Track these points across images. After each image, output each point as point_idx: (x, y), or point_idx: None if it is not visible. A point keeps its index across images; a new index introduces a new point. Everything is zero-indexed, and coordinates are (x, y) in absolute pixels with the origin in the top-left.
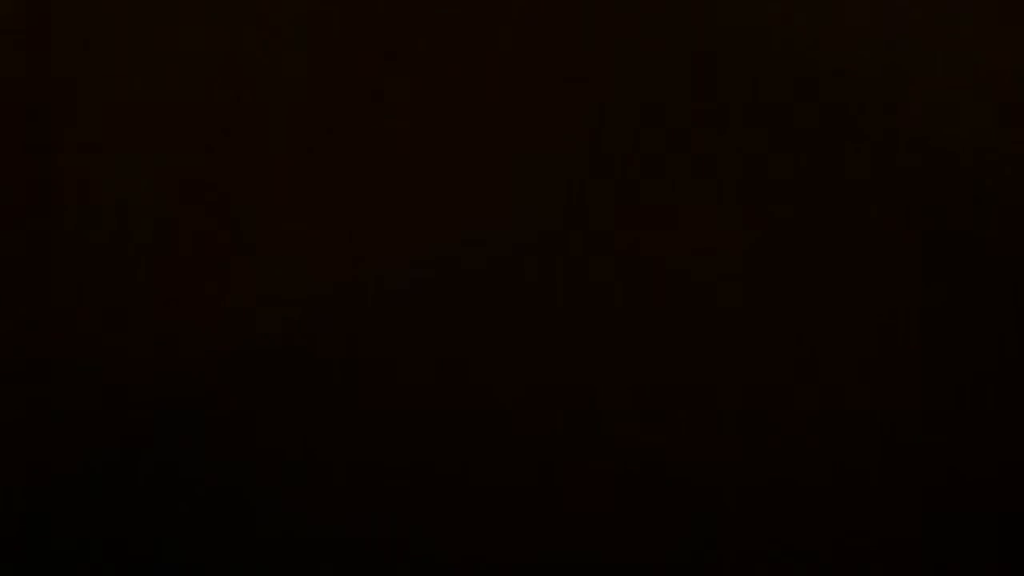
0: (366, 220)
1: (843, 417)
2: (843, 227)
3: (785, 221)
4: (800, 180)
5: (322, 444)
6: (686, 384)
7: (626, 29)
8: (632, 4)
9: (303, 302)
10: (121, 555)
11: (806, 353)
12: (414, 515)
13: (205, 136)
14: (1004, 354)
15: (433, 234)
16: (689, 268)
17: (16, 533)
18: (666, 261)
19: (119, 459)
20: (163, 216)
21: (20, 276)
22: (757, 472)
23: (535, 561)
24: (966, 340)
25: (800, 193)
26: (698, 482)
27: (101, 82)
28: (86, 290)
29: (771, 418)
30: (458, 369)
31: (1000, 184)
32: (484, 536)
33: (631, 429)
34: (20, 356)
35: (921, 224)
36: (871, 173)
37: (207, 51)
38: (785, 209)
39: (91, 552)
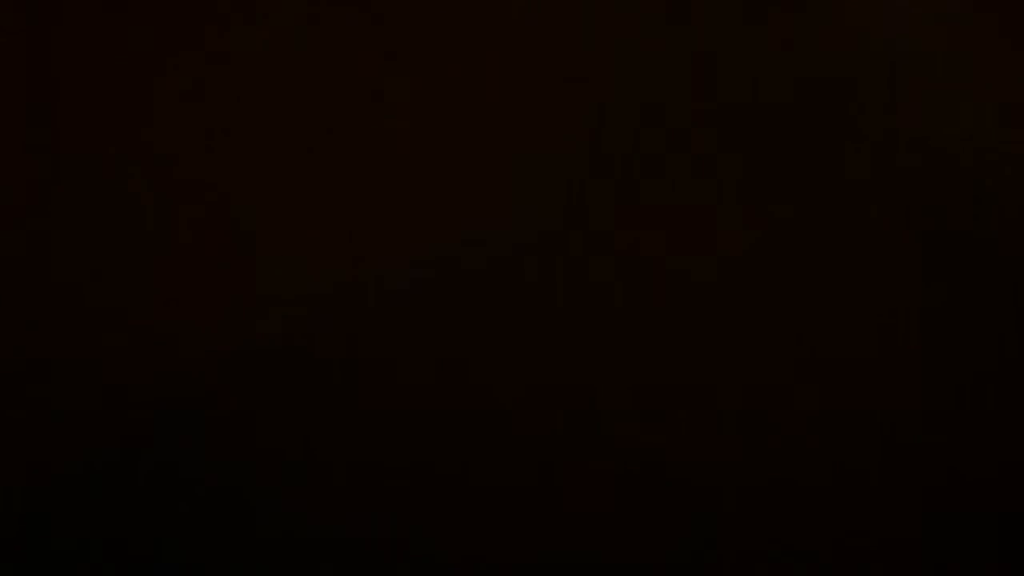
0: (366, 220)
1: (843, 417)
2: (843, 227)
3: (785, 221)
4: (800, 180)
5: (322, 444)
6: (686, 384)
7: (626, 29)
8: (632, 4)
9: (303, 302)
10: (121, 555)
11: (806, 353)
12: (414, 515)
13: (205, 136)
14: (1004, 354)
15: (433, 234)
16: (689, 268)
17: (16, 533)
18: (666, 261)
19: (119, 459)
20: (163, 216)
21: (20, 276)
22: (757, 472)
23: (535, 561)
24: (966, 340)
25: (800, 193)
26: (698, 482)
27: (101, 82)
28: (86, 290)
29: (771, 418)
30: (458, 369)
31: (1000, 184)
32: (484, 536)
33: (631, 429)
34: (20, 356)
35: (921, 224)
36: (871, 173)
37: (207, 51)
38: (785, 209)
39: (91, 552)
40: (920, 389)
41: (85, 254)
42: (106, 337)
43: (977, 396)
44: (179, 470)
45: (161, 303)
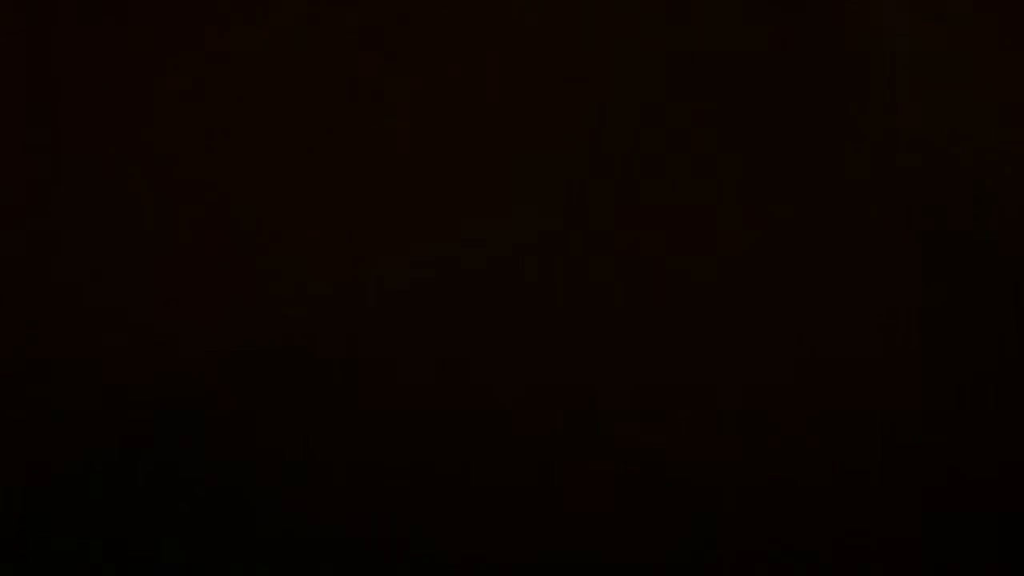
0: (366, 220)
1: (843, 417)
2: (843, 227)
3: (785, 221)
4: (800, 180)
5: (322, 444)
6: (686, 384)
7: (626, 29)
8: (632, 4)
9: (303, 302)
10: (121, 555)
11: (806, 353)
12: (414, 515)
13: (205, 136)
14: (1004, 354)
15: (433, 234)
16: (689, 268)
17: (16, 533)
18: (666, 261)
19: (119, 459)
20: (163, 216)
21: (20, 276)
22: (757, 472)
23: (535, 561)
24: (966, 340)
25: (800, 193)
26: (698, 482)
27: (101, 82)
28: (86, 290)
29: (771, 418)
30: (458, 369)
31: (1000, 184)
32: (484, 536)
33: (631, 429)
34: (20, 356)
35: (921, 224)
36: (871, 173)
37: (207, 51)
38: (785, 209)
39: (91, 552)
40: (920, 389)
41: (85, 254)
42: (106, 337)
43: (977, 396)
44: (179, 470)
45: (161, 303)
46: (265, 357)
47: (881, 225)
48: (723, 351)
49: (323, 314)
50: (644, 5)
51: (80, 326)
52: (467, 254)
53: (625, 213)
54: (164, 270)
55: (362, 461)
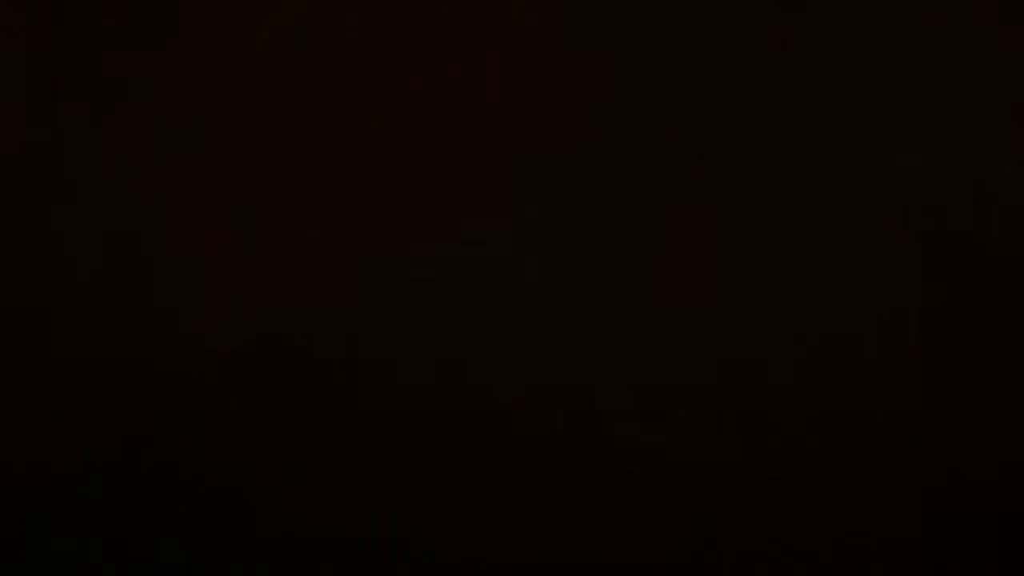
0: (366, 220)
1: (843, 417)
2: (843, 227)
3: (785, 221)
4: (800, 180)
5: (322, 444)
6: (686, 384)
7: (626, 29)
8: (632, 4)
9: (303, 302)
10: (121, 555)
11: (806, 353)
12: (414, 515)
13: (205, 136)
14: (1004, 354)
15: (433, 234)
16: (689, 268)
17: (16, 533)
18: (666, 261)
19: (119, 459)
20: (163, 216)
21: (20, 276)
22: (757, 472)
23: (535, 561)
24: (966, 340)
25: (800, 193)
26: (698, 482)
27: (101, 82)
28: (86, 290)
29: (771, 418)
30: (458, 369)
31: (1000, 184)
32: (484, 536)
33: (631, 429)
34: (20, 356)
35: (921, 224)
36: (871, 173)
37: (205, 50)
38: (785, 209)
39: (91, 552)
40: (920, 389)
41: (85, 254)
42: (106, 337)
43: (977, 396)
44: (179, 470)
45: (161, 303)
46: (265, 357)
47: (881, 225)
48: (723, 351)
49: (323, 314)
50: (644, 5)
51: (80, 326)
52: (467, 254)
53: (625, 213)
54: (164, 270)
55: (362, 461)
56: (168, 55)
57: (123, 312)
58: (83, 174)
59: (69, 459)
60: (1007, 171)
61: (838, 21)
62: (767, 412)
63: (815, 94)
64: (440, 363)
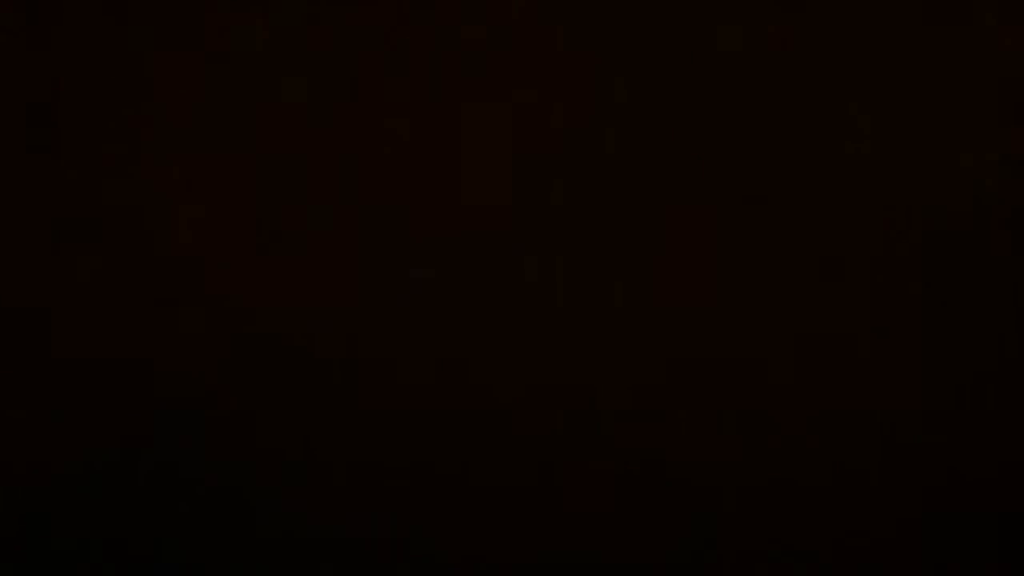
0: (366, 220)
1: (843, 417)
2: (843, 227)
3: (785, 221)
4: (800, 180)
5: (322, 444)
6: (686, 384)
7: (626, 29)
8: (632, 3)
9: (303, 302)
10: (121, 555)
11: (806, 353)
12: (414, 515)
13: (205, 135)
14: (1004, 354)
15: (433, 234)
16: (689, 268)
17: (16, 533)
18: (666, 261)
19: (119, 459)
20: (162, 216)
21: (20, 276)
22: (757, 472)
23: (535, 561)
24: (966, 340)
25: (800, 193)
26: (698, 482)
27: (101, 82)
28: (86, 290)
29: (771, 418)
30: (458, 369)
31: (1000, 184)
32: (484, 536)
33: (631, 429)
34: (20, 356)
35: (921, 224)
36: (871, 173)
37: (205, 50)
38: (785, 209)
39: (91, 552)
40: (920, 389)
41: (85, 254)
42: (106, 337)
43: (977, 396)
44: (179, 470)
45: (161, 303)
46: (265, 357)
47: (881, 225)
48: (723, 351)
49: (323, 314)
50: (643, 5)
51: (80, 326)
52: (467, 254)
53: (625, 213)
54: (164, 269)
55: (362, 461)
56: (168, 55)
57: (123, 312)
58: (83, 174)
59: (69, 459)
60: (1007, 171)
61: (838, 21)
62: (767, 412)
63: (815, 94)
64: (440, 363)
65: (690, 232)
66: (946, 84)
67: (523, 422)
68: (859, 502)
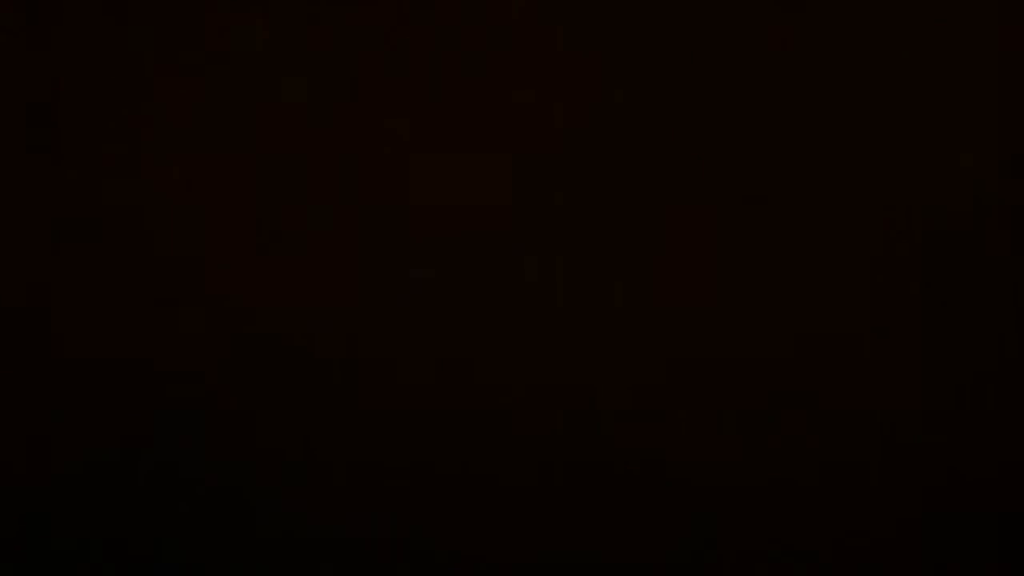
0: (366, 220)
1: (843, 417)
2: (843, 227)
3: (785, 221)
4: (800, 180)
5: (322, 444)
6: (686, 384)
7: (626, 28)
8: (632, 4)
9: (303, 302)
10: (121, 555)
11: (806, 353)
12: (414, 515)
13: (205, 135)
14: (1004, 354)
15: (433, 234)
16: (689, 268)
17: (16, 533)
18: (666, 261)
19: (119, 459)
20: (162, 216)
21: (20, 275)
22: (757, 472)
23: (535, 561)
24: (966, 340)
25: (800, 193)
26: (698, 482)
27: (101, 82)
28: (86, 290)
29: (771, 418)
30: (458, 369)
31: (1000, 184)
32: (484, 536)
33: (631, 429)
34: (20, 356)
35: (921, 224)
36: (871, 173)
37: (204, 50)
38: (785, 209)
39: (91, 552)
40: (920, 389)
41: (85, 254)
42: (106, 337)
43: (977, 396)
44: (179, 470)
45: (161, 303)
46: (265, 357)
47: (881, 225)
48: (723, 351)
49: (323, 314)
50: (643, 4)
51: (79, 326)
52: (467, 254)
53: (625, 213)
54: (164, 269)
55: (362, 461)
56: (168, 55)
57: (123, 312)
58: (83, 174)
59: (69, 459)
60: (1007, 171)
61: (838, 21)
62: (767, 412)
63: (815, 94)
64: (440, 363)
65: (690, 232)
66: (946, 84)
67: (523, 422)
68: (859, 502)
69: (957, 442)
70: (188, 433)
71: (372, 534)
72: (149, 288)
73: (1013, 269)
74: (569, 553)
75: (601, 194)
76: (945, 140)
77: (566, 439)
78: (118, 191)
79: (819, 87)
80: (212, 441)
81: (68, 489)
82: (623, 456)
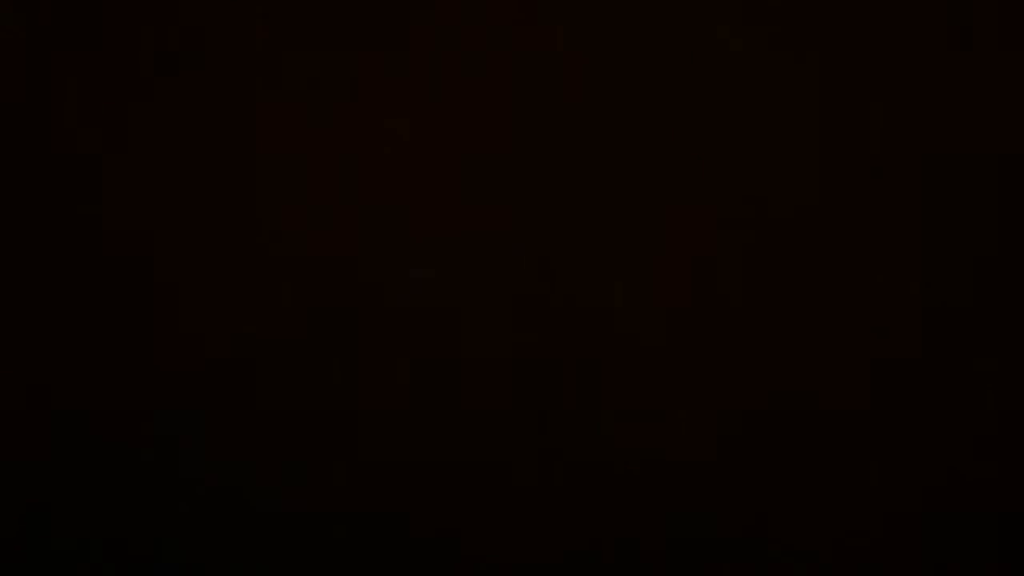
0: (366, 220)
1: (843, 417)
2: (843, 227)
3: (785, 221)
4: (800, 180)
5: (322, 444)
6: (686, 384)
7: (625, 28)
8: (632, 4)
9: (303, 302)
10: (121, 555)
11: (806, 353)
12: (414, 515)
13: (204, 135)
14: (1004, 355)
15: (433, 234)
16: (689, 268)
17: (16, 533)
18: (666, 261)
19: (119, 459)
20: (162, 216)
21: (20, 276)
22: (757, 472)
23: (535, 561)
24: (966, 340)
25: (800, 193)
26: (698, 482)
27: (100, 81)
28: (85, 290)
29: (771, 418)
30: (458, 369)
31: (999, 184)
32: (484, 536)
33: (631, 429)
34: (20, 356)
35: (921, 223)
36: (870, 173)
37: (204, 50)
38: (785, 209)
39: (91, 552)
40: (920, 388)
41: (85, 254)
42: (105, 337)
43: (977, 396)
44: (179, 470)
45: (161, 303)
46: (265, 357)
47: (881, 225)
48: (723, 351)
49: (323, 314)
50: (644, 5)
51: (79, 326)
52: (467, 254)
53: (625, 213)
54: (164, 269)
55: (362, 461)
56: (168, 55)
57: (123, 312)
58: (83, 174)
59: (69, 459)
60: (1006, 171)
61: (838, 21)
62: (767, 412)
63: (815, 94)
64: (440, 363)
65: (690, 232)
66: (946, 83)
67: (523, 422)
68: (859, 502)
69: (957, 442)
70: (188, 433)
71: (372, 534)
72: (149, 287)
73: (1013, 268)
74: (569, 553)
75: (601, 194)
76: (945, 139)
77: (566, 439)
78: (118, 191)
79: (819, 87)
80: (212, 441)
81: (68, 489)
82: (623, 456)
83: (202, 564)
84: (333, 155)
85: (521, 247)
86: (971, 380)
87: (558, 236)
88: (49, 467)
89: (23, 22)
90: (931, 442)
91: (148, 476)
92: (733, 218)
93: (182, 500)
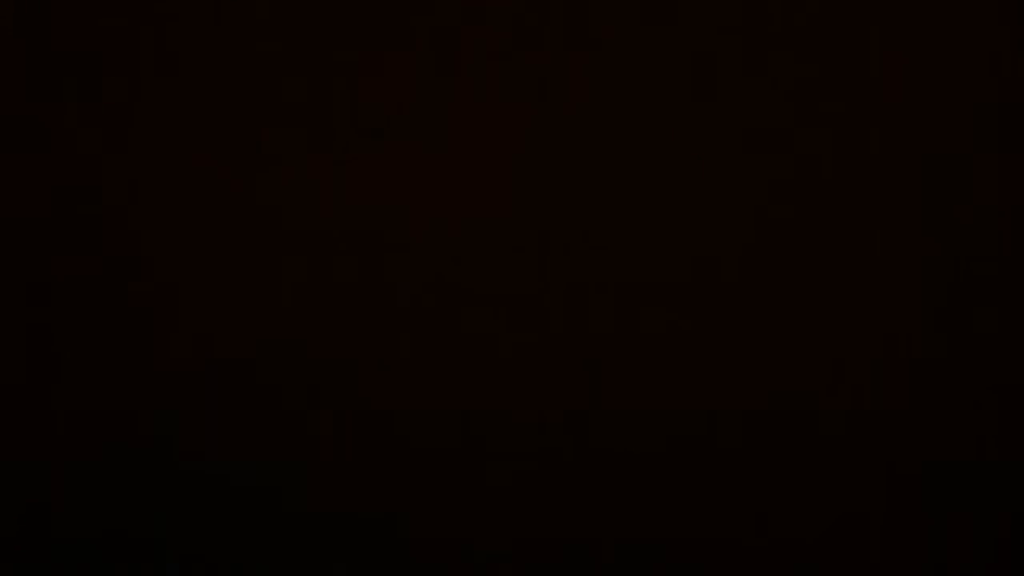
0: (365, 220)
1: (843, 417)
2: (843, 227)
3: (785, 221)
4: (799, 180)
5: (322, 444)
6: (686, 383)
7: (626, 29)
8: (632, 4)
9: (303, 302)
10: (121, 555)
11: (806, 353)
12: (414, 515)
13: (203, 135)
14: (1004, 354)
15: (432, 234)
16: (689, 268)
17: (16, 533)
18: (665, 261)
19: (119, 459)
20: (162, 215)
21: (19, 275)
22: (757, 472)
23: (535, 561)
24: (966, 340)
25: (800, 193)
26: (697, 482)
27: (101, 81)
28: (85, 290)
29: (771, 418)
30: (457, 369)
31: (999, 184)
32: (484, 536)
33: (630, 429)
34: (20, 356)
35: (922, 223)
36: (870, 173)
37: (204, 50)
38: (785, 209)
39: (91, 552)
40: (920, 389)
41: (85, 253)
42: (106, 337)
43: (977, 396)
44: (179, 470)
45: (161, 302)
46: (265, 357)
47: (881, 225)
48: (723, 350)
49: (323, 314)
50: (644, 5)
51: (79, 326)
52: (466, 254)
53: (625, 213)
54: (164, 269)
55: (362, 461)
56: (168, 56)
57: (122, 311)
58: (82, 173)
59: (69, 459)
60: (1007, 171)
61: (838, 21)
62: (767, 412)
63: (814, 94)
64: (440, 363)
65: (689, 231)
66: (946, 83)
67: (523, 422)
68: (859, 502)
69: (957, 442)
70: (188, 433)
71: (372, 534)
72: (148, 287)
73: (1013, 268)
74: (569, 553)
75: (601, 194)
76: (945, 139)
77: (566, 439)
78: (117, 190)
79: (819, 87)
80: (212, 441)
81: (68, 489)
82: (623, 456)
83: (202, 564)
84: (334, 155)
85: (522, 247)
86: (971, 380)
87: (558, 236)
88: (49, 467)
89: (23, 22)
90: (931, 442)
91: (148, 476)
92: (733, 217)
93: (182, 500)
